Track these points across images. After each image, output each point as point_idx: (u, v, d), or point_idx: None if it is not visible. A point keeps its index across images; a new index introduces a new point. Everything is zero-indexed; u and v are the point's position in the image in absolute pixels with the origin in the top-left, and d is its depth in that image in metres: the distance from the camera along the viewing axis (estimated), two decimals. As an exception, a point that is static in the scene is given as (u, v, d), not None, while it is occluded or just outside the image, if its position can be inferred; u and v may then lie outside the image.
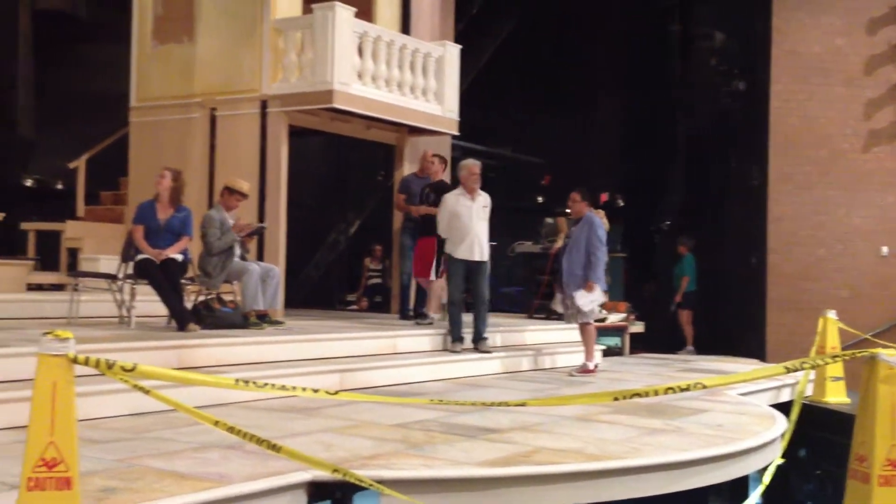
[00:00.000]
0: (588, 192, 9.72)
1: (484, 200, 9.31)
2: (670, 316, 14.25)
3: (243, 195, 8.81)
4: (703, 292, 14.31)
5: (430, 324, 10.15)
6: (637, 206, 17.26)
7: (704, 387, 4.23)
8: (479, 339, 9.25)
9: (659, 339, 13.77)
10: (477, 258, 9.19)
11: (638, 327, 12.86)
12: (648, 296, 15.76)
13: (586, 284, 9.11)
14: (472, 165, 9.29)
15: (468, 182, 9.22)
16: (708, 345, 13.84)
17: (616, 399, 4.16)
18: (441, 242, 9.88)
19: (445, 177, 12.13)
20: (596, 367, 9.51)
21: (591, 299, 9.17)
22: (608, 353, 11.47)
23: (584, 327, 9.37)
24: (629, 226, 17.09)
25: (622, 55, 18.19)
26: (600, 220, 9.38)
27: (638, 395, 4.17)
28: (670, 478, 5.28)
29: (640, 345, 13.04)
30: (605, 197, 16.95)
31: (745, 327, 14.43)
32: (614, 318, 12.26)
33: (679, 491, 5.37)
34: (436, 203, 9.92)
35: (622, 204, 17.55)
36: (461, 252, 9.14)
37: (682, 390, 4.05)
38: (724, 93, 15.48)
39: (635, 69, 17.78)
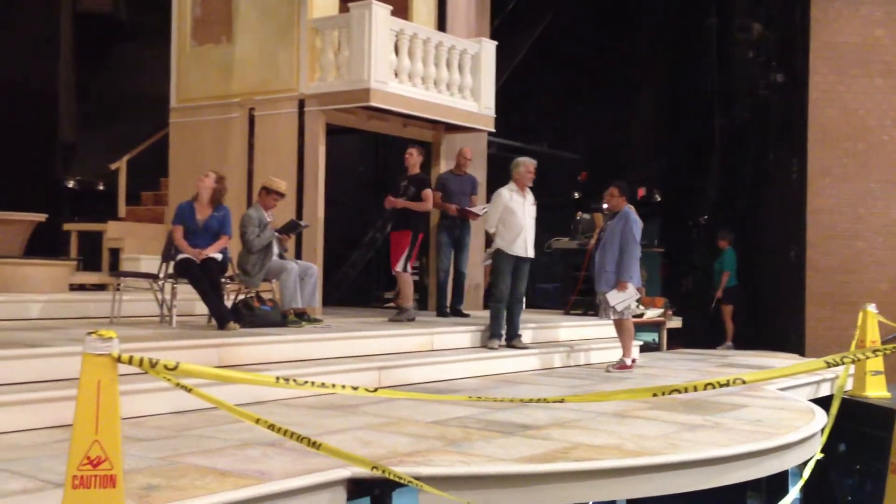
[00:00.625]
0: (627, 186, 9.71)
1: (531, 199, 9.42)
2: (711, 312, 14.15)
3: (280, 194, 8.89)
4: (741, 286, 14.21)
5: (467, 316, 10.23)
6: (674, 201, 17.13)
7: (744, 382, 4.18)
8: (514, 336, 9.28)
9: (697, 334, 13.68)
10: (528, 255, 9.30)
11: (675, 322, 12.79)
12: (686, 291, 15.66)
13: (618, 284, 9.10)
14: (529, 163, 9.39)
15: (524, 179, 9.32)
16: (746, 339, 13.73)
17: (655, 395, 4.15)
18: (416, 236, 9.94)
19: (479, 173, 12.17)
20: (633, 362, 9.49)
21: (623, 298, 9.15)
22: (645, 348, 11.43)
23: (620, 323, 9.36)
24: (666, 220, 16.99)
25: (658, 49, 18.08)
26: (637, 217, 9.35)
27: (677, 390, 4.14)
28: (709, 474, 5.27)
29: (678, 340, 12.96)
30: (642, 192, 16.87)
31: (783, 321, 14.31)
32: (651, 314, 12.21)
33: (717, 486, 5.35)
34: (416, 197, 10.04)
35: (659, 198, 17.44)
36: (515, 248, 9.21)
37: (722, 386, 4.02)
38: (761, 85, 15.32)
39: (672, 63, 17.66)
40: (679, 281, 15.80)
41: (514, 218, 9.18)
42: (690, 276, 16.08)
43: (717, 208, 15.99)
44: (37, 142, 13.39)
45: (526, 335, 9.60)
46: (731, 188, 15.86)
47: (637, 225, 9.26)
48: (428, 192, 10.20)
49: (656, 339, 12.45)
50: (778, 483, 7.54)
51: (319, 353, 7.63)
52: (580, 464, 4.88)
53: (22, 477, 4.10)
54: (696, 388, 4.10)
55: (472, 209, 10.75)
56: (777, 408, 7.11)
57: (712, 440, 5.64)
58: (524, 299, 9.50)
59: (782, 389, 8.26)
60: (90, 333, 3.25)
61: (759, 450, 5.58)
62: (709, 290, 14.58)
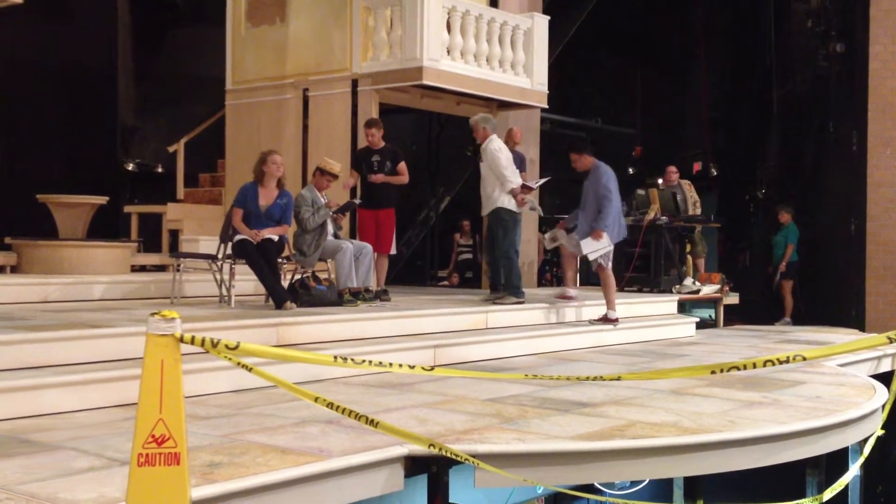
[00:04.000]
0: (584, 143, 9.61)
1: (487, 154, 9.45)
2: (774, 287, 13.94)
3: (334, 176, 8.92)
4: (800, 261, 14.01)
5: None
6: (731, 175, 16.91)
7: (804, 359, 4.10)
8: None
9: (754, 310, 13.52)
10: (483, 213, 9.61)
11: (733, 298, 12.64)
12: (743, 266, 15.47)
13: (593, 232, 9.03)
14: (473, 121, 9.66)
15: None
16: (805, 315, 13.54)
17: (713, 372, 4.10)
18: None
19: (532, 149, 12.12)
20: (617, 320, 9.38)
21: (597, 247, 9.07)
22: (702, 325, 11.32)
23: (602, 275, 9.28)
24: (723, 195, 16.79)
25: (715, 21, 17.80)
26: (608, 169, 9.25)
27: (736, 367, 4.08)
28: (768, 451, 5.23)
29: (735, 316, 12.82)
30: (697, 166, 16.68)
31: (843, 296, 14.06)
32: (708, 290, 12.09)
33: (776, 464, 5.31)
34: (392, 172, 9.53)
35: (716, 172, 17.22)
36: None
37: (782, 363, 3.95)
38: (820, 55, 15.00)
39: (728, 34, 17.38)
40: (736, 256, 15.61)
41: None
42: (748, 251, 15.88)
43: (776, 182, 15.74)
44: (97, 126, 13.63)
45: (581, 312, 9.61)
46: (789, 161, 15.60)
47: (608, 175, 9.17)
48: (404, 166, 9.63)
49: (713, 316, 12.32)
50: (838, 460, 7.43)
51: (375, 332, 7.69)
52: (637, 441, 4.87)
53: (88, 455, 4.21)
54: (755, 366, 4.04)
55: (526, 183, 10.70)
56: (837, 384, 7.02)
57: (771, 417, 5.59)
58: (505, 255, 9.46)
59: (842, 365, 8.14)
60: (154, 314, 3.30)
61: (818, 427, 5.52)
62: (767, 266, 14.38)
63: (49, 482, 3.73)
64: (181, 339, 3.34)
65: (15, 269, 9.28)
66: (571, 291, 9.56)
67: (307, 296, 8.25)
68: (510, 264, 9.38)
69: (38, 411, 5.11)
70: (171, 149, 12.53)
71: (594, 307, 10.04)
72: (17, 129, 12.36)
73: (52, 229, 10.25)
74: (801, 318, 13.47)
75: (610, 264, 9.25)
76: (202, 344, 3.42)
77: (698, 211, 12.94)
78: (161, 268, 10.47)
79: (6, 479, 3.76)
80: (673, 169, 13.08)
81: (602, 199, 9.03)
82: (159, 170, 14.16)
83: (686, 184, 13.10)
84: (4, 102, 12.01)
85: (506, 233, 9.37)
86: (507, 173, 9.31)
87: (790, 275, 13.85)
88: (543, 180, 10.32)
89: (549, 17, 11.99)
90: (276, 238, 8.27)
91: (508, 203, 9.34)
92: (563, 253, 9.70)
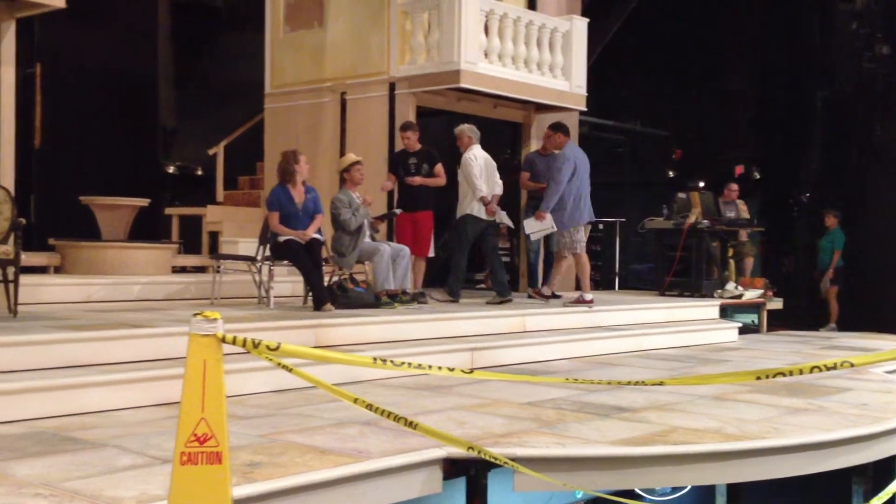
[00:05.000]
0: (563, 125, 9.89)
1: (462, 161, 9.59)
2: (823, 292, 13.73)
3: (357, 163, 8.88)
4: (845, 266, 13.79)
5: (559, 297, 10.17)
6: (774, 178, 16.70)
7: (852, 365, 4.00)
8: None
9: (798, 315, 13.33)
10: (457, 216, 9.77)
11: (776, 304, 12.47)
12: (787, 271, 15.27)
13: (536, 213, 9.45)
14: (458, 130, 9.75)
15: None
16: (851, 321, 13.32)
17: (758, 378, 4.02)
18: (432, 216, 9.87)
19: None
20: (553, 294, 9.97)
21: (537, 228, 9.55)
22: (744, 330, 11.19)
23: (557, 257, 9.91)
24: (766, 199, 16.59)
25: (757, 21, 17.60)
26: (571, 154, 9.46)
27: (781, 373, 3.99)
28: (813, 458, 5.13)
29: (779, 322, 12.65)
30: (740, 170, 16.50)
31: (889, 302, 13.83)
32: (751, 295, 11.94)
33: (821, 471, 5.21)
34: (430, 174, 9.57)
35: (758, 176, 17.02)
36: None
37: (829, 369, 3.85)
38: (866, 57, 14.79)
39: (771, 35, 17.19)
40: (780, 261, 15.42)
41: None
42: (792, 255, 15.68)
43: (820, 185, 15.53)
44: (139, 129, 13.77)
45: (620, 316, 9.53)
46: (834, 164, 15.40)
47: (563, 158, 9.43)
48: (441, 168, 9.65)
49: (756, 321, 12.16)
50: (885, 468, 7.29)
51: (412, 334, 7.68)
52: (679, 447, 4.79)
53: (131, 453, 4.23)
54: (801, 372, 3.96)
55: None
56: (884, 391, 6.89)
57: (816, 424, 5.49)
58: (454, 259, 9.87)
59: (889, 372, 7.99)
60: (196, 315, 3.31)
61: (865, 434, 5.42)
62: (812, 271, 14.17)
63: (93, 479, 3.75)
64: (223, 340, 3.34)
65: (59, 270, 9.39)
66: (588, 296, 9.63)
67: (344, 297, 8.26)
68: (453, 265, 9.73)
69: (82, 409, 5.15)
70: (210, 151, 12.62)
71: (630, 311, 9.98)
72: (60, 132, 12.51)
73: (95, 231, 10.35)
74: (845, 325, 13.26)
75: (563, 250, 9.81)
76: (244, 344, 3.41)
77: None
78: (201, 269, 10.55)
79: (51, 475, 3.79)
80: (734, 187, 13.15)
81: (550, 183, 9.57)
82: (199, 172, 14.27)
83: (741, 203, 13.16)
84: (48, 106, 12.16)
85: (459, 237, 9.66)
86: (477, 182, 9.45)
87: (835, 280, 13.64)
88: None
89: (587, 20, 11.93)
90: (322, 238, 8.33)
91: (478, 211, 9.55)
92: (575, 258, 9.79)
